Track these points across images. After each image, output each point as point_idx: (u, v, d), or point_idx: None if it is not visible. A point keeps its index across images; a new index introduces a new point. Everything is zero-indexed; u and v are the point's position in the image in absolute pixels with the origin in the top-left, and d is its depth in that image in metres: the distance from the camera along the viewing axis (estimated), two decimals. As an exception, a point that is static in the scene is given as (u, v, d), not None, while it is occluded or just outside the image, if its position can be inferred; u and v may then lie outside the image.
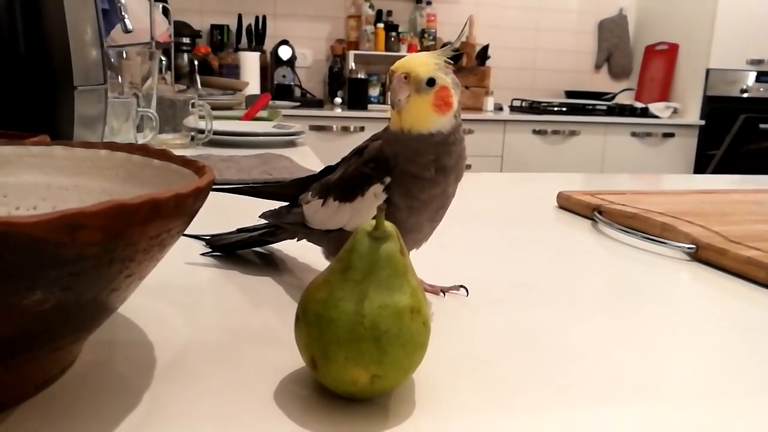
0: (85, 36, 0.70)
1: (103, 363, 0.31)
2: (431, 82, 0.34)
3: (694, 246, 0.53)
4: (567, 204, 0.71)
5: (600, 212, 0.65)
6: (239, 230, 0.49)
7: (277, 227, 0.45)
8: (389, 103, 0.35)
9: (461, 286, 0.42)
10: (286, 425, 0.26)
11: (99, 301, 0.25)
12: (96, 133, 0.78)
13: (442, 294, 0.42)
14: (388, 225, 0.27)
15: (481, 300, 0.42)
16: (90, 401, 0.27)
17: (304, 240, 0.44)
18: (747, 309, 0.44)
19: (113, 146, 0.39)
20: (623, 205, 0.65)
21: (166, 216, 0.25)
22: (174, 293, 0.41)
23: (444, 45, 3.04)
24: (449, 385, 0.30)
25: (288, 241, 0.46)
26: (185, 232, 0.51)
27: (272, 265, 0.47)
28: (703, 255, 0.52)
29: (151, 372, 0.30)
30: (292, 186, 0.45)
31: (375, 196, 0.36)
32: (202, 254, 0.49)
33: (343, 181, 0.39)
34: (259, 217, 0.46)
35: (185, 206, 0.26)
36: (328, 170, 0.43)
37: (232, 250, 0.49)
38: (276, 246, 0.50)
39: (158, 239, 0.25)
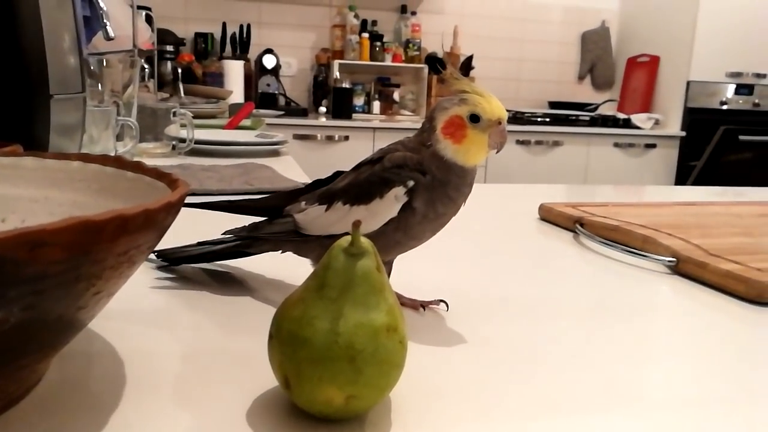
0: (63, 43, 0.69)
1: (70, 381, 0.30)
2: None
3: (674, 259, 0.53)
4: (549, 216, 0.71)
5: (582, 224, 0.65)
6: (200, 243, 0.47)
7: (255, 239, 0.44)
8: (493, 147, 0.37)
9: (441, 301, 0.42)
10: (259, 447, 0.25)
11: (65, 319, 0.24)
12: (74, 142, 0.77)
13: (421, 309, 0.41)
14: (365, 241, 0.27)
15: (461, 314, 0.41)
16: (56, 422, 0.26)
17: (279, 254, 0.43)
18: (727, 322, 0.44)
19: (86, 158, 0.38)
20: (605, 217, 0.66)
21: (135, 232, 0.24)
22: (144, 311, 0.40)
23: (429, 55, 3.05)
24: (427, 403, 0.29)
25: (253, 258, 0.45)
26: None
27: (240, 283, 0.46)
28: (683, 268, 0.52)
29: (120, 391, 0.29)
30: (274, 199, 0.44)
31: (395, 198, 0.37)
32: (158, 267, 0.47)
33: (355, 186, 0.39)
34: (223, 234, 0.45)
35: (155, 221, 0.25)
36: (318, 183, 0.43)
37: (192, 262, 0.48)
38: (241, 263, 0.49)
39: (127, 255, 0.25)
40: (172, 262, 0.48)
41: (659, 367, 0.35)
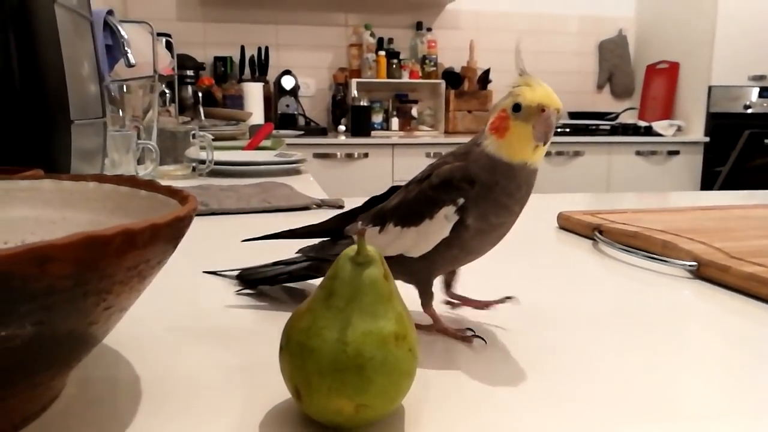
0: (83, 71, 0.70)
1: (88, 398, 0.30)
2: None
3: (695, 263, 0.52)
4: (567, 224, 0.71)
5: (600, 232, 0.64)
6: (275, 264, 0.47)
7: (322, 261, 0.43)
8: (538, 138, 0.33)
9: (508, 298, 0.41)
10: (270, 459, 0.25)
11: (76, 335, 0.25)
12: (95, 166, 0.79)
13: (489, 307, 0.42)
14: (371, 249, 0.27)
15: (480, 322, 0.41)
16: (70, 438, 0.26)
17: None
18: (751, 326, 0.42)
19: (101, 178, 0.39)
20: (624, 224, 0.65)
21: (143, 246, 0.24)
22: (185, 328, 0.40)
23: (446, 70, 3.06)
24: (442, 412, 0.29)
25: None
26: (208, 270, 0.51)
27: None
28: (705, 272, 0.51)
29: (136, 406, 0.29)
30: (333, 221, 0.44)
31: (446, 217, 0.35)
32: (237, 292, 0.47)
33: (404, 206, 0.38)
34: (297, 252, 0.45)
35: (163, 236, 0.26)
36: (374, 201, 0.42)
37: (269, 284, 0.47)
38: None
39: (136, 270, 0.25)
40: (250, 283, 0.48)
41: (685, 374, 0.35)
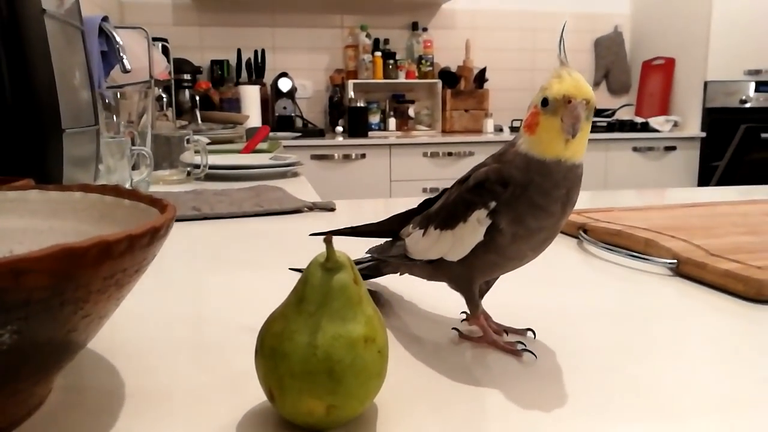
0: (74, 81, 0.72)
1: (72, 404, 0.31)
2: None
3: (675, 261, 0.53)
4: (553, 224, 0.72)
5: (585, 230, 0.65)
6: None
7: (381, 261, 0.44)
8: (565, 131, 0.32)
9: (529, 329, 0.39)
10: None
11: (56, 343, 0.26)
12: (89, 173, 0.80)
13: (505, 334, 0.39)
14: (341, 255, 0.28)
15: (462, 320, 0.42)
16: (54, 442, 0.27)
17: (407, 274, 0.43)
18: (728, 322, 0.43)
19: (86, 188, 0.40)
20: (609, 222, 0.66)
21: (119, 257, 0.25)
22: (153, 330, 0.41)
23: (442, 70, 3.06)
24: (414, 412, 0.30)
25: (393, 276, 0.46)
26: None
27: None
28: (684, 269, 0.52)
29: (119, 410, 0.30)
30: (393, 222, 0.44)
31: (478, 221, 0.34)
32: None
33: (443, 209, 0.38)
34: (366, 252, 0.46)
35: (139, 246, 0.27)
36: (429, 202, 0.42)
37: None
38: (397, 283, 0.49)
39: (113, 279, 0.26)
40: None
41: (663, 372, 0.35)
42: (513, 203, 0.33)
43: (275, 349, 0.27)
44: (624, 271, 0.56)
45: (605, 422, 0.29)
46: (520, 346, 0.37)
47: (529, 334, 0.39)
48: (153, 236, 0.28)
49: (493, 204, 0.34)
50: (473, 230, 0.35)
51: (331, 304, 0.27)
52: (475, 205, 0.35)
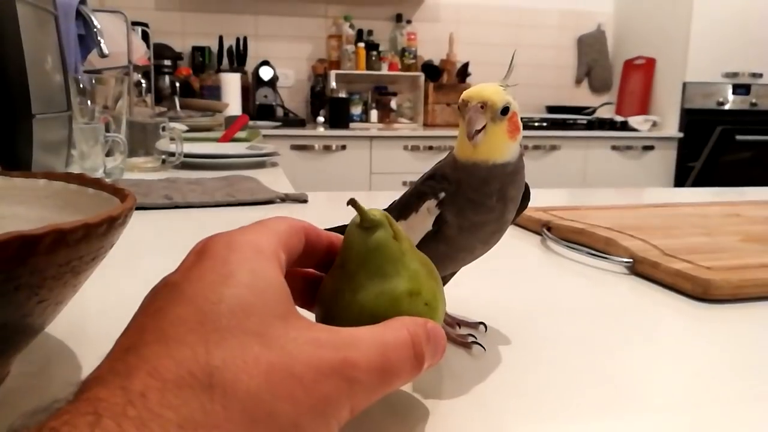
0: (46, 66, 0.71)
1: (28, 387, 0.32)
2: (505, 110, 0.34)
3: (631, 260, 0.55)
4: (519, 220, 0.73)
5: (549, 228, 0.66)
6: None
7: None
8: (467, 134, 0.33)
9: (480, 323, 0.41)
10: None
11: (11, 327, 0.26)
12: (60, 159, 0.80)
13: (457, 326, 0.40)
14: (375, 213, 0.28)
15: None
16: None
17: None
18: (677, 320, 0.45)
19: (51, 176, 0.40)
20: (573, 220, 0.67)
21: (75, 245, 0.26)
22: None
23: (425, 63, 3.06)
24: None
25: None
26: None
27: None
28: (639, 268, 0.54)
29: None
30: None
31: (428, 211, 0.36)
32: None
33: (400, 202, 0.39)
34: None
35: (96, 235, 0.27)
36: None
37: None
38: None
39: (69, 266, 0.27)
40: None
41: (611, 365, 0.37)
42: (455, 197, 0.35)
43: (327, 312, 0.27)
44: (583, 268, 0.58)
45: (553, 416, 0.31)
46: (470, 338, 0.38)
47: (481, 327, 0.41)
48: (110, 225, 0.28)
49: (442, 195, 0.35)
50: (423, 219, 0.36)
51: (371, 262, 0.27)
52: (426, 196, 0.36)
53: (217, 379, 0.19)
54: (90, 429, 0.17)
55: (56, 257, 0.25)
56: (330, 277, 0.28)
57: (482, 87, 0.34)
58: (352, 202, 0.27)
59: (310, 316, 0.28)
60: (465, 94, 0.34)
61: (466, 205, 0.35)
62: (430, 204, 0.36)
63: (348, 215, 0.28)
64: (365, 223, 0.27)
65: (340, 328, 0.23)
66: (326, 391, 0.20)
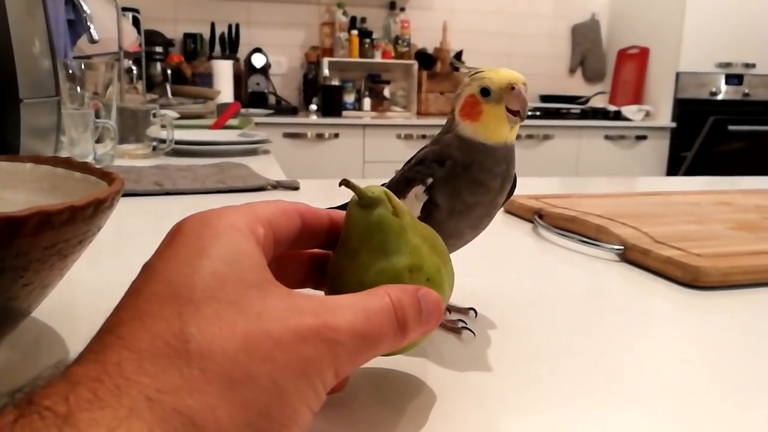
0: (33, 50, 0.70)
1: (17, 366, 0.31)
2: None
3: (622, 247, 0.55)
4: (511, 208, 0.73)
5: (541, 216, 0.66)
6: None
7: None
8: (516, 114, 0.34)
9: (470, 309, 0.41)
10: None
11: (-4, 310, 0.26)
12: (49, 145, 0.79)
13: (448, 312, 0.40)
14: (374, 190, 0.27)
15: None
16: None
17: None
18: (667, 307, 0.45)
19: (38, 159, 0.40)
20: (564, 208, 0.67)
21: (60, 227, 0.26)
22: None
23: (418, 51, 3.05)
24: (377, 401, 0.31)
25: None
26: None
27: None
28: (629, 255, 0.54)
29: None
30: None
31: (416, 197, 0.36)
32: None
33: (388, 187, 0.39)
34: None
35: (81, 217, 0.27)
36: None
37: None
38: None
39: (54, 249, 0.26)
40: None
41: (599, 352, 0.37)
42: (450, 179, 0.35)
43: (332, 290, 0.27)
44: (575, 256, 0.58)
45: (543, 401, 0.31)
46: (460, 324, 0.38)
47: (471, 313, 0.40)
48: (96, 208, 0.28)
49: (430, 180, 0.36)
50: (411, 205, 0.36)
51: (372, 239, 0.27)
52: (414, 181, 0.36)
53: (193, 345, 0.19)
54: (64, 399, 0.17)
55: (41, 240, 0.25)
56: (335, 255, 0.28)
57: (511, 71, 0.35)
58: (345, 182, 0.27)
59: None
60: (510, 76, 0.34)
61: (465, 185, 0.35)
62: (418, 190, 0.36)
63: (341, 201, 0.28)
64: (363, 200, 0.27)
65: (322, 296, 0.23)
66: (306, 353, 0.20)
